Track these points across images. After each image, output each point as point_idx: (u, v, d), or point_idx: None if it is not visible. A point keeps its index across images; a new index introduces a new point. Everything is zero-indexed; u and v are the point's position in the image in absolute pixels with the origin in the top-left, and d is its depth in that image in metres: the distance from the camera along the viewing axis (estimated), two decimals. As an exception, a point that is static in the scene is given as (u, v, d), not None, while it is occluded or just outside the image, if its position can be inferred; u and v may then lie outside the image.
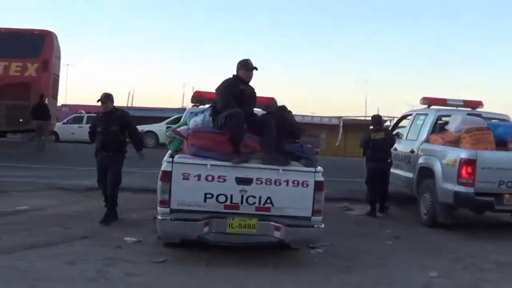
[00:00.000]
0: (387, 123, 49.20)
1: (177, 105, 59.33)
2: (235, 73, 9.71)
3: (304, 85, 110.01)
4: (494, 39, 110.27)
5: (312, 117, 47.84)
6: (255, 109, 10.21)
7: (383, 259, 10.05)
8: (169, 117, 39.97)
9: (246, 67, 9.60)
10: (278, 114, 9.94)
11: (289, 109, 10.60)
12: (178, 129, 9.77)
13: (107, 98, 11.69)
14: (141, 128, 37.95)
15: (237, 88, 9.51)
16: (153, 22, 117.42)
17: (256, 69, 9.67)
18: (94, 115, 15.03)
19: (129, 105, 55.84)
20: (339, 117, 51.70)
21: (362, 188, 17.14)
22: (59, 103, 36.70)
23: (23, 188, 14.96)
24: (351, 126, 51.56)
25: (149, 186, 15.87)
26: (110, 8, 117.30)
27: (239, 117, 8.89)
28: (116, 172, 11.85)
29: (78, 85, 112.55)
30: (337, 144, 47.64)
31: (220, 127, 9.09)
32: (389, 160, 14.76)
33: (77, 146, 28.41)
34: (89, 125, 13.68)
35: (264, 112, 10.60)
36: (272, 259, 9.38)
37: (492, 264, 10.09)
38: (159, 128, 37.39)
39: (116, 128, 11.67)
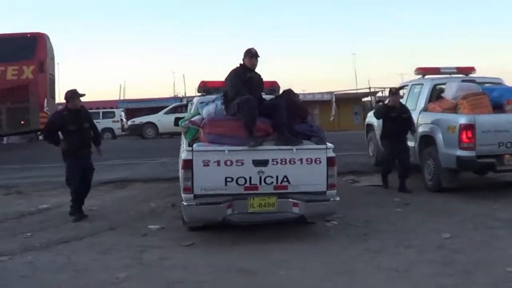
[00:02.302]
0: (379, 94, 49.72)
1: (169, 94, 59.54)
2: (241, 62, 10.14)
3: (293, 63, 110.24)
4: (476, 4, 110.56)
5: (304, 94, 47.98)
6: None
7: (396, 225, 10.51)
8: (165, 107, 40.12)
9: (249, 55, 10.03)
10: (285, 97, 10.41)
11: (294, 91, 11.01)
12: (192, 119, 10.16)
13: (77, 95, 11.50)
14: (139, 119, 38.35)
15: (245, 76, 9.97)
16: (138, 12, 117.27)
17: (258, 56, 10.12)
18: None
19: (122, 98, 55.90)
20: (330, 92, 51.83)
21: (364, 160, 17.65)
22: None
23: (40, 188, 15.26)
24: (343, 100, 51.91)
25: (159, 176, 16.41)
26: (92, 3, 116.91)
27: (252, 103, 9.39)
28: (93, 169, 11.96)
29: (69, 83, 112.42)
30: (331, 119, 47.93)
31: (233, 114, 9.59)
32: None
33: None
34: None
35: (271, 96, 11.06)
36: (292, 234, 9.83)
37: (500, 222, 10.59)
38: (157, 118, 37.54)
39: (87, 125, 11.69)
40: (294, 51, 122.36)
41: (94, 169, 11.97)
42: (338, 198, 9.45)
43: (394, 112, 13.86)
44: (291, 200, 9.25)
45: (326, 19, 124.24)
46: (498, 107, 13.19)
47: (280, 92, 11.39)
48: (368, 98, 52.89)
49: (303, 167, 9.29)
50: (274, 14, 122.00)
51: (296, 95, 10.93)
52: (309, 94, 51.37)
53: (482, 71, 16.08)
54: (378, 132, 16.00)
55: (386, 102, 14.90)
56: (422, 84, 15.43)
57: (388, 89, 15.31)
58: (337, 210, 9.89)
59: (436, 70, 15.87)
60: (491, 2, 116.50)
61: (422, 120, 14.22)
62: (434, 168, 13.53)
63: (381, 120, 14.33)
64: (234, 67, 10.16)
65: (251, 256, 8.63)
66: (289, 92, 10.66)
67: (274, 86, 12.18)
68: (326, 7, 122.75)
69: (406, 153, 13.98)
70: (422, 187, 13.99)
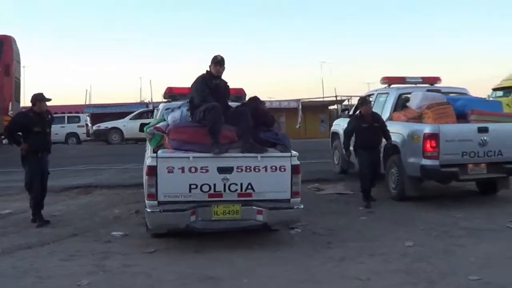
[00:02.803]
0: (345, 103, 49.93)
1: (135, 99, 59.29)
2: (208, 69, 10.14)
3: (261, 71, 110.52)
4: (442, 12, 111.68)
5: (271, 102, 48.05)
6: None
7: (360, 233, 10.55)
8: (131, 112, 39.98)
9: (215, 62, 10.05)
10: (251, 104, 10.40)
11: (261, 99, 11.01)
12: (158, 125, 10.13)
13: (44, 99, 11.52)
14: (105, 125, 38.18)
15: (211, 83, 9.96)
16: (105, 17, 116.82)
17: (224, 63, 10.14)
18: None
19: (87, 102, 55.61)
20: (297, 100, 51.90)
21: (329, 168, 17.71)
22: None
23: (3, 193, 15.16)
24: (310, 108, 52.01)
25: (123, 182, 16.33)
26: (59, 8, 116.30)
27: (217, 110, 9.38)
28: (48, 173, 11.92)
29: (34, 86, 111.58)
30: (297, 126, 48.01)
31: (199, 121, 9.57)
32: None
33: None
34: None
35: (236, 103, 11.05)
36: (256, 242, 9.83)
37: (463, 230, 10.68)
38: (123, 124, 37.46)
39: (49, 130, 11.73)
40: (261, 58, 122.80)
41: (50, 173, 11.92)
42: (302, 206, 9.47)
43: (365, 123, 13.39)
44: (255, 207, 9.26)
45: (294, 27, 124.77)
46: (462, 117, 13.32)
47: (246, 99, 11.39)
48: (335, 106, 53.01)
49: (268, 175, 9.31)
50: (242, 21, 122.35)
51: (262, 102, 10.94)
52: (275, 101, 51.42)
53: (448, 81, 16.17)
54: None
55: (357, 112, 14.51)
56: (387, 93, 15.52)
57: (358, 98, 15.10)
58: (301, 218, 9.92)
59: (401, 80, 15.97)
60: (458, 13, 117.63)
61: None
62: (398, 177, 13.62)
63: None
64: (201, 73, 10.14)
65: (214, 263, 8.61)
66: (255, 99, 10.66)
67: (240, 93, 12.17)
68: (294, 15, 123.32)
69: (378, 165, 13.88)
70: (387, 196, 14.04)
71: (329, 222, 11.49)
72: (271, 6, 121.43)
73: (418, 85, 15.75)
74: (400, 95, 15.05)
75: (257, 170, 9.28)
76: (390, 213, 12.42)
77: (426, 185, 14.05)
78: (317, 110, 54.32)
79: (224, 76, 10.30)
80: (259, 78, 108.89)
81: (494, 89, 36.59)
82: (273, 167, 9.33)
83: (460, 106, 13.52)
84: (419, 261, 8.64)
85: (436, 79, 15.97)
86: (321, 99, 55.34)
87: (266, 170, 9.31)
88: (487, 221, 11.37)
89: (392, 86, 15.93)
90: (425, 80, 15.95)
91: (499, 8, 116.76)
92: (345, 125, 16.39)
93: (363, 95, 17.50)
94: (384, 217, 12.02)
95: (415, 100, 14.06)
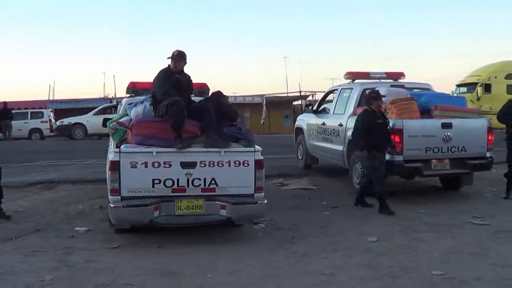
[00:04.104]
0: (310, 98, 50.08)
1: (99, 94, 58.97)
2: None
3: (226, 66, 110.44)
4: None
5: (235, 97, 48.10)
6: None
7: (324, 228, 10.56)
8: (95, 108, 39.79)
9: (172, 57, 9.97)
10: (214, 99, 10.35)
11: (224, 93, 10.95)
12: (120, 120, 10.05)
13: None
14: (68, 120, 37.95)
15: (173, 77, 9.88)
16: (68, 11, 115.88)
17: (184, 57, 10.06)
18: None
19: (51, 98, 55.21)
20: (261, 96, 51.96)
21: (293, 164, 17.70)
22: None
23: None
24: (274, 103, 52.14)
25: (87, 177, 16.18)
26: (20, 1, 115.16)
27: (180, 105, 9.31)
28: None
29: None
30: (261, 122, 48.08)
31: (161, 116, 9.49)
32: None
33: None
34: None
35: (200, 98, 11.00)
36: (219, 236, 9.85)
37: (426, 225, 10.76)
38: (86, 119, 37.29)
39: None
40: (226, 54, 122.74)
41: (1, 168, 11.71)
42: (265, 201, 9.50)
43: (379, 119, 12.18)
44: (218, 202, 9.26)
45: (258, 22, 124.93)
46: (426, 112, 13.38)
47: (210, 94, 11.29)
48: (299, 102, 53.16)
49: (231, 170, 9.31)
50: (207, 16, 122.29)
51: (226, 97, 10.87)
52: (240, 96, 51.54)
53: (412, 77, 16.24)
54: (307, 135, 16.67)
55: (368, 107, 12.57)
56: (351, 89, 15.46)
57: (369, 91, 13.18)
58: (264, 213, 9.95)
59: (365, 75, 15.96)
60: (423, 11, 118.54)
61: (351, 124, 14.11)
62: (362, 172, 13.57)
63: (311, 123, 14.18)
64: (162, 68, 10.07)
65: (178, 259, 8.59)
66: (218, 94, 10.60)
67: (203, 88, 12.10)
68: (258, 10, 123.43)
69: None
70: (351, 191, 14.02)
71: (293, 217, 11.50)
72: (235, 1, 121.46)
73: (382, 80, 15.77)
74: (364, 91, 14.89)
75: (220, 165, 9.28)
76: (354, 208, 12.48)
77: (390, 180, 14.09)
78: (282, 106, 54.49)
79: (187, 71, 10.23)
80: (224, 73, 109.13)
81: (458, 85, 36.96)
82: (237, 162, 9.34)
83: (424, 102, 13.59)
84: (382, 256, 8.68)
85: (400, 75, 16.00)
86: (285, 95, 55.45)
87: (229, 165, 9.31)
88: (451, 217, 11.46)
89: (356, 81, 15.91)
90: (389, 75, 15.95)
91: (463, 6, 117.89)
92: (309, 120, 16.43)
93: (326, 90, 17.58)
94: (347, 212, 12.07)
95: (379, 95, 13.99)
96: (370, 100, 12.42)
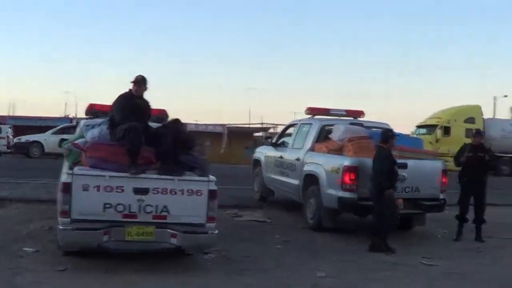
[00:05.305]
0: (271, 130, 50.27)
1: (60, 113, 58.66)
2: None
3: (188, 94, 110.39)
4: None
5: (197, 125, 48.13)
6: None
7: (274, 262, 10.53)
8: (53, 127, 39.48)
9: (134, 82, 9.95)
10: (172, 126, 10.32)
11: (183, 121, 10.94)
12: (76, 142, 9.98)
13: None
14: (26, 138, 37.61)
15: (133, 102, 9.84)
16: (31, 27, 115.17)
17: (146, 82, 10.07)
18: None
19: (11, 114, 54.77)
20: (223, 125, 52.08)
21: (250, 195, 17.69)
22: None
23: None
24: (236, 133, 52.25)
25: (40, 197, 16.00)
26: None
27: (137, 131, 9.28)
28: None
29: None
30: (221, 151, 48.10)
31: (118, 140, 9.42)
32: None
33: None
34: None
35: (158, 124, 10.98)
36: (169, 265, 9.73)
37: (377, 264, 10.76)
38: (44, 138, 36.94)
39: None
40: (189, 81, 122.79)
41: None
42: (217, 231, 9.47)
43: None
44: (169, 230, 9.19)
45: (223, 51, 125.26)
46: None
47: (168, 121, 11.28)
48: (260, 134, 53.35)
49: (184, 198, 9.28)
50: (171, 41, 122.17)
51: (184, 125, 10.88)
52: (202, 125, 51.57)
53: (373, 116, 16.41)
54: (264, 168, 16.71)
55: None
56: (311, 124, 15.56)
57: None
58: (216, 243, 9.92)
59: (325, 111, 16.13)
60: (387, 49, 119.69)
61: (307, 159, 14.33)
62: (316, 207, 13.61)
63: (269, 156, 14.24)
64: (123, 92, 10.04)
65: (124, 285, 8.54)
66: (176, 121, 10.59)
67: (162, 114, 12.01)
68: (222, 39, 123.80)
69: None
70: (304, 226, 14.03)
71: (245, 249, 11.44)
72: (199, 28, 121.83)
73: (342, 117, 15.85)
74: (323, 126, 15.07)
75: (173, 193, 9.24)
76: (306, 243, 12.43)
77: (344, 217, 14.09)
78: (243, 136, 54.57)
79: (147, 97, 10.22)
80: (186, 100, 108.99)
81: (418, 126, 37.37)
82: (190, 191, 9.31)
83: (381, 141, 13.59)
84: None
85: (360, 113, 16.17)
86: (247, 126, 55.64)
87: (182, 193, 9.27)
88: (401, 256, 11.49)
89: (316, 117, 16.03)
90: (349, 113, 16.10)
91: (426, 46, 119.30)
92: (268, 153, 16.48)
93: (287, 123, 17.68)
94: (299, 246, 12.02)
95: (337, 133, 14.13)
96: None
